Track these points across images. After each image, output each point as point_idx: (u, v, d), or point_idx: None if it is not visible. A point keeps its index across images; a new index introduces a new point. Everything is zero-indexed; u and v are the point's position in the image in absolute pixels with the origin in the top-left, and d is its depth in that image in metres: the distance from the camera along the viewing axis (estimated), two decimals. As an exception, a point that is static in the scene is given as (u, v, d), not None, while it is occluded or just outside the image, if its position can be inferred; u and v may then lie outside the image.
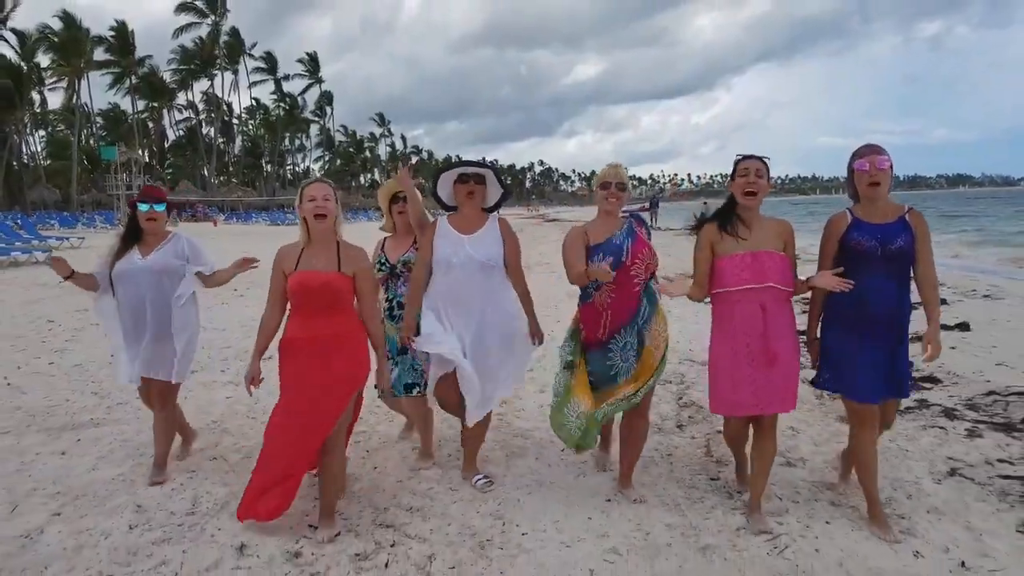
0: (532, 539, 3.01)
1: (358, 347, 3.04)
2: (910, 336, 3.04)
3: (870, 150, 2.94)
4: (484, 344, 3.34)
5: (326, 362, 2.93)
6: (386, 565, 2.81)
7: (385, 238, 3.88)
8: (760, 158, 3.05)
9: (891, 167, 2.94)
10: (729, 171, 3.13)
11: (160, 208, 3.60)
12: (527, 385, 5.11)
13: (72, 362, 6.26)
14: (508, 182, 3.65)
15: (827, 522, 3.10)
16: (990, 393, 4.82)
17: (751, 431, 3.22)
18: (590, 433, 3.23)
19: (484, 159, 3.44)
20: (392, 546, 2.95)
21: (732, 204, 3.09)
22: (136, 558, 2.84)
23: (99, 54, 57.83)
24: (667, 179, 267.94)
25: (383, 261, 3.77)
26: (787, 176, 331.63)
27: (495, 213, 3.54)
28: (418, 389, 3.67)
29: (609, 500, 3.37)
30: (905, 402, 4.31)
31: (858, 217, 2.99)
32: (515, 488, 3.53)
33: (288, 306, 3.09)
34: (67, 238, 22.12)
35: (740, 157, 3.09)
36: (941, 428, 4.29)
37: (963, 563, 2.76)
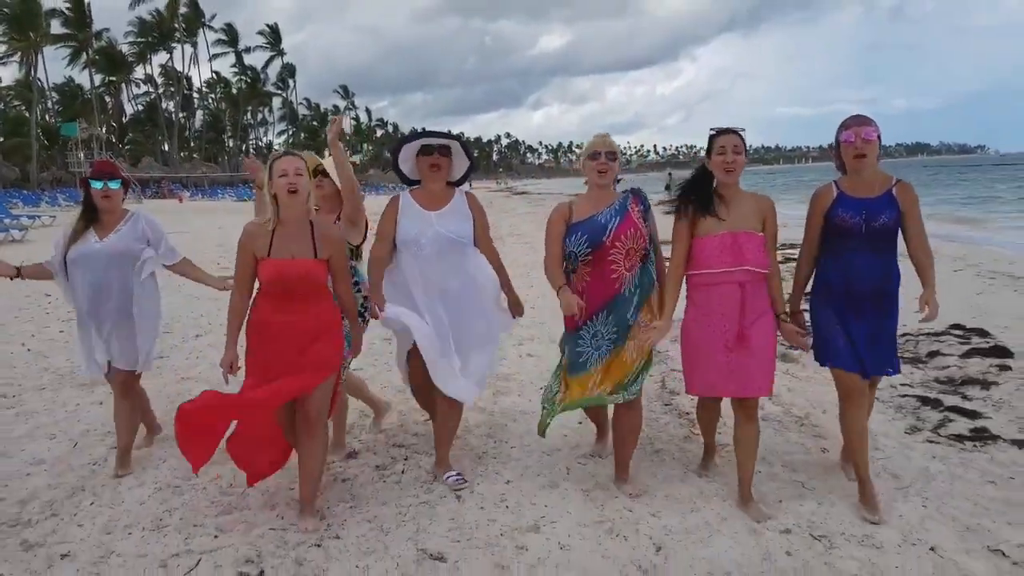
0: (520, 451, 3.69)
1: (333, 330, 2.93)
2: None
3: (856, 121, 2.87)
4: (465, 323, 3.22)
5: (301, 345, 2.82)
6: (402, 472, 3.47)
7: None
8: (736, 132, 2.93)
9: (879, 138, 2.87)
10: (695, 142, 3.33)
11: (115, 185, 3.39)
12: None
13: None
14: (475, 155, 3.47)
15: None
16: (905, 335, 5.62)
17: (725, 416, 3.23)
18: (548, 416, 3.18)
19: (450, 131, 3.29)
20: (405, 460, 3.61)
21: (708, 180, 2.99)
22: (196, 477, 3.40)
23: (55, 27, 55.94)
24: (633, 151, 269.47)
25: None
26: (750, 147, 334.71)
27: (462, 187, 3.35)
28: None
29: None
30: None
31: (843, 191, 2.93)
32: (502, 416, 4.20)
33: (256, 285, 2.92)
34: (39, 216, 22.03)
35: (715, 132, 2.96)
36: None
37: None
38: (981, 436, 3.69)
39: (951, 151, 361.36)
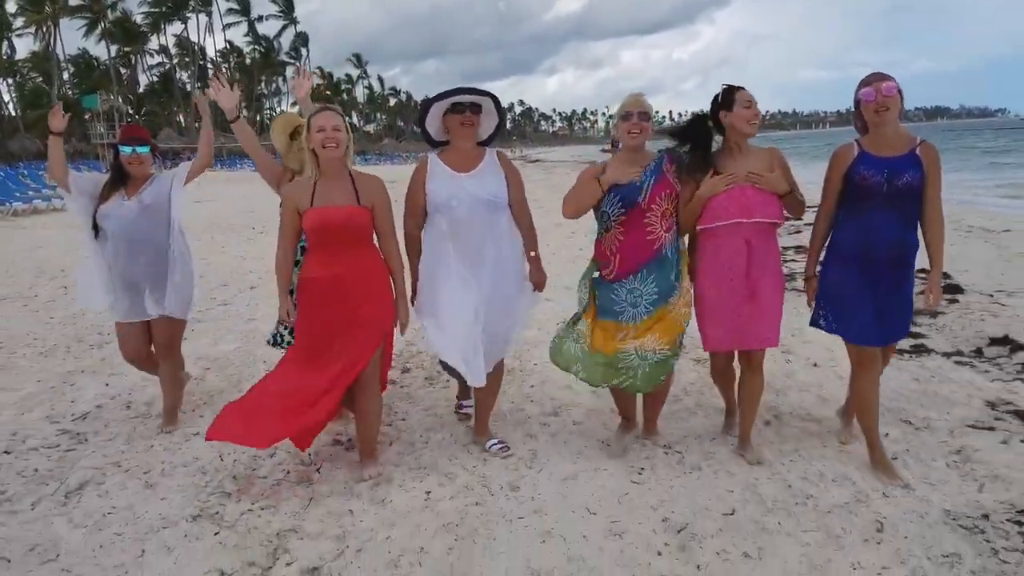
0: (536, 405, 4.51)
1: (383, 288, 2.97)
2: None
3: (876, 77, 2.79)
4: (499, 292, 3.10)
5: (352, 306, 2.88)
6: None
7: (292, 174, 3.46)
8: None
9: (900, 93, 2.77)
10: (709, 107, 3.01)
11: (143, 150, 3.51)
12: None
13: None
14: (513, 110, 4.07)
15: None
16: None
17: (738, 372, 3.24)
18: (594, 369, 3.05)
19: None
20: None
21: (706, 131, 2.99)
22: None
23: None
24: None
25: None
26: (767, 112, 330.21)
27: (490, 148, 3.23)
28: None
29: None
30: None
31: (865, 149, 2.85)
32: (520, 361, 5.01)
33: (304, 243, 3.02)
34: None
35: (729, 87, 2.95)
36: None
37: (816, 364, 4.33)
38: (918, 350, 4.47)
39: (971, 115, 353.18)
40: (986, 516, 2.66)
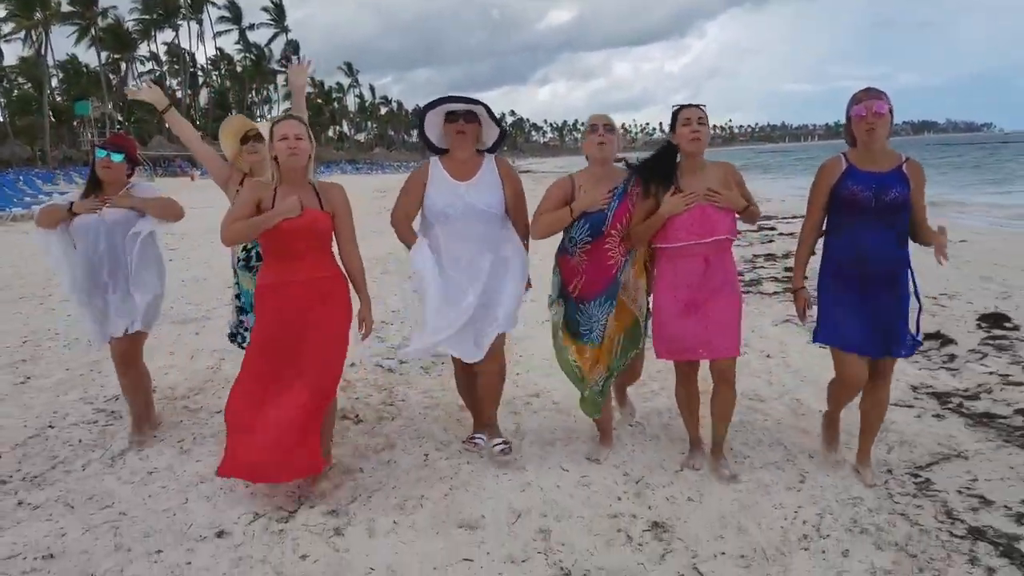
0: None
1: (343, 296, 2.98)
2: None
3: (868, 95, 2.83)
4: (493, 298, 3.18)
5: (312, 314, 2.88)
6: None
7: (243, 176, 3.47)
8: (698, 106, 2.99)
9: (891, 111, 2.82)
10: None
11: (117, 158, 3.42)
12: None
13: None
14: (504, 121, 3.34)
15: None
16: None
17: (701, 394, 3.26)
18: (592, 401, 3.27)
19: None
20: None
21: (671, 157, 3.04)
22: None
23: (62, 5, 56.57)
24: (639, 128, 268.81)
25: None
26: (756, 124, 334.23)
27: (492, 154, 3.26)
28: None
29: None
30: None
31: (852, 164, 2.88)
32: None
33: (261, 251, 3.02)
34: (66, 193, 23.26)
35: (678, 107, 3.01)
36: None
37: (769, 355, 4.89)
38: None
39: (958, 129, 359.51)
40: (890, 471, 3.22)
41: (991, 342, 5.10)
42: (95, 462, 3.48)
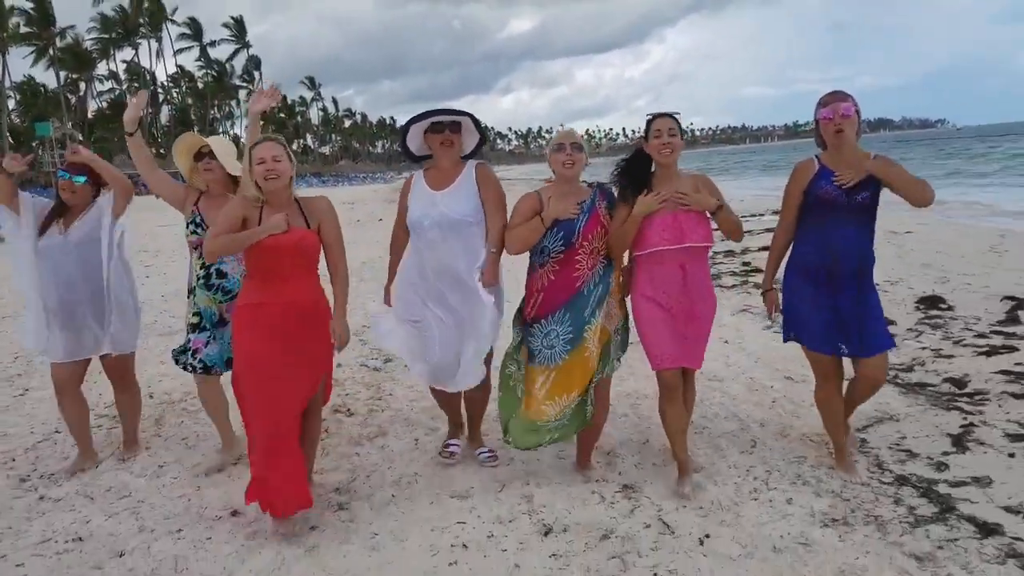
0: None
1: (326, 317, 2.94)
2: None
3: (834, 97, 2.88)
4: (468, 308, 3.15)
5: (295, 335, 2.82)
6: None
7: (200, 194, 3.45)
8: (671, 115, 3.00)
9: (857, 112, 2.87)
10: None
11: (80, 180, 3.41)
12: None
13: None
14: (485, 127, 3.38)
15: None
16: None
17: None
18: (523, 436, 3.13)
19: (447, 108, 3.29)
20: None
21: (644, 163, 3.04)
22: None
23: (20, 27, 55.63)
24: (603, 134, 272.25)
25: (198, 222, 3.37)
26: (717, 127, 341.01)
27: (472, 161, 3.25)
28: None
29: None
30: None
31: (825, 165, 2.94)
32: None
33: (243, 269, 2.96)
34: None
35: (651, 117, 3.02)
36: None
37: (727, 341, 5.31)
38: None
39: (913, 126, 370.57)
40: (831, 433, 3.63)
41: (927, 322, 5.60)
42: (106, 460, 3.73)
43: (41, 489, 3.41)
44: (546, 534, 2.80)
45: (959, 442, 3.43)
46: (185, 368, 3.45)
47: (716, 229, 3.07)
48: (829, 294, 2.95)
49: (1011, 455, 3.27)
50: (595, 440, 3.34)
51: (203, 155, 3.36)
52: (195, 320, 3.43)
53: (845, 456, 3.21)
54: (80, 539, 2.94)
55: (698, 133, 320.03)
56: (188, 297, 3.52)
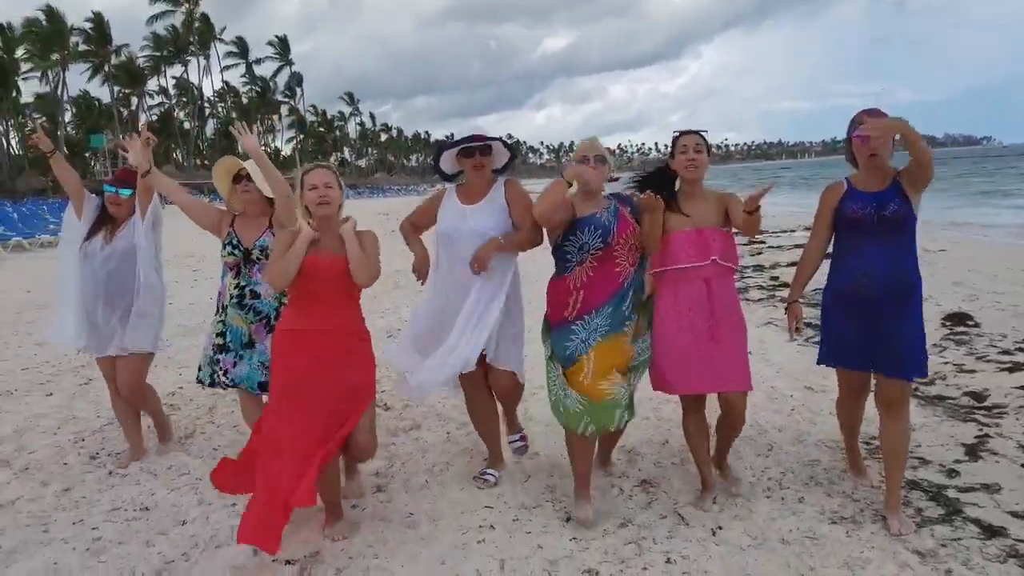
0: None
1: (366, 344, 2.94)
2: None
3: (870, 117, 2.79)
4: (487, 317, 3.18)
5: (335, 364, 2.79)
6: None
7: (234, 216, 3.51)
8: (697, 132, 3.03)
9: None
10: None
11: (125, 193, 3.57)
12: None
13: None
14: (515, 147, 3.44)
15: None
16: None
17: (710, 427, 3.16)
18: (602, 418, 2.91)
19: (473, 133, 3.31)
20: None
21: (669, 178, 3.08)
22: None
23: (79, 45, 58.54)
24: (635, 149, 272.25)
25: (235, 243, 3.42)
26: (752, 142, 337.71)
27: (502, 177, 3.33)
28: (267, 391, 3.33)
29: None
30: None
31: (853, 186, 2.93)
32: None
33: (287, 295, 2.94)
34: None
35: (677, 134, 3.07)
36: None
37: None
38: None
39: (956, 143, 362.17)
40: (846, 440, 3.76)
41: (952, 338, 5.65)
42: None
43: (109, 465, 3.75)
44: (567, 520, 3.02)
45: (972, 451, 3.54)
46: (213, 385, 3.48)
47: (738, 234, 3.08)
48: (860, 315, 2.87)
49: (1023, 465, 3.36)
50: (616, 441, 3.50)
51: (241, 177, 3.41)
52: (220, 341, 3.45)
53: (858, 461, 3.32)
54: (147, 508, 3.26)
55: (732, 148, 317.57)
56: (216, 315, 3.56)
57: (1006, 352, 5.15)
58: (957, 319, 6.15)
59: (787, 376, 4.90)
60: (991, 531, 2.80)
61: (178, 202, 3.50)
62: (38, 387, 5.36)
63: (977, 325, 5.97)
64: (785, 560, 2.67)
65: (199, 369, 3.55)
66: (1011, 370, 4.71)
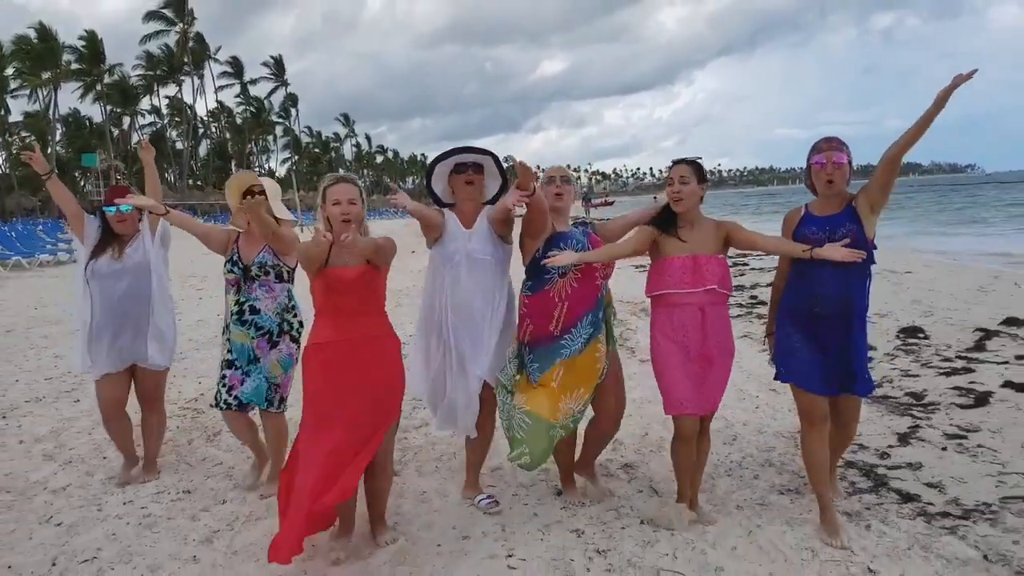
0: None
1: (395, 352, 2.97)
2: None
3: (829, 145, 2.91)
4: (479, 337, 3.31)
5: (365, 374, 2.82)
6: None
7: (238, 234, 3.63)
8: (688, 162, 3.10)
9: (849, 162, 2.92)
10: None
11: (127, 209, 3.61)
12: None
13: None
14: (508, 170, 3.43)
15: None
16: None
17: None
18: (539, 445, 3.07)
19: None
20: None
21: (672, 220, 3.13)
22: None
23: (71, 64, 58.93)
24: (630, 174, 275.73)
25: (235, 260, 3.53)
26: (745, 168, 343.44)
27: (488, 207, 3.39)
28: (274, 407, 3.56)
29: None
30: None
31: (810, 211, 3.03)
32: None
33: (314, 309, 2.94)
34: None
35: (671, 164, 3.16)
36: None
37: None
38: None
39: (942, 170, 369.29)
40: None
41: (903, 348, 6.27)
42: (196, 439, 4.57)
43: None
44: (559, 494, 3.56)
45: (904, 439, 4.12)
46: (218, 406, 3.56)
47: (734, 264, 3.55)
48: (814, 335, 2.97)
49: (944, 448, 3.95)
50: (596, 455, 3.58)
51: (253, 193, 3.42)
52: (229, 357, 3.56)
53: (831, 514, 3.01)
54: (188, 492, 3.76)
55: (725, 174, 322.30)
56: (222, 334, 3.65)
57: (947, 360, 5.76)
58: (910, 332, 6.76)
59: (755, 380, 5.47)
60: (907, 497, 3.36)
61: (196, 233, 3.65)
62: (65, 394, 5.82)
63: (927, 337, 6.58)
64: (736, 520, 3.22)
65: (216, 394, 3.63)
66: (948, 374, 5.32)
